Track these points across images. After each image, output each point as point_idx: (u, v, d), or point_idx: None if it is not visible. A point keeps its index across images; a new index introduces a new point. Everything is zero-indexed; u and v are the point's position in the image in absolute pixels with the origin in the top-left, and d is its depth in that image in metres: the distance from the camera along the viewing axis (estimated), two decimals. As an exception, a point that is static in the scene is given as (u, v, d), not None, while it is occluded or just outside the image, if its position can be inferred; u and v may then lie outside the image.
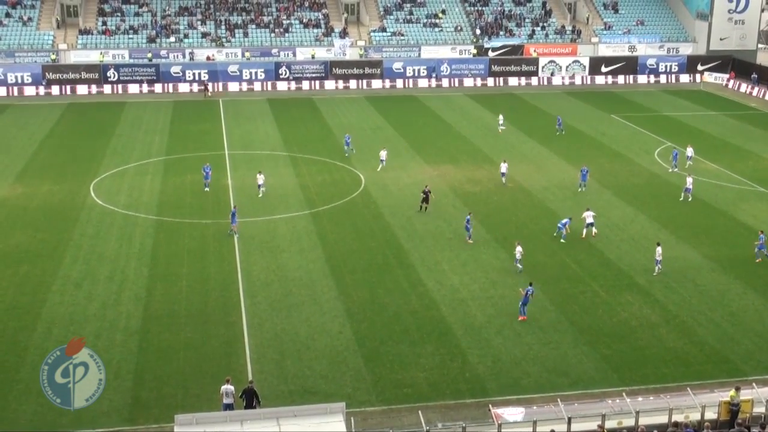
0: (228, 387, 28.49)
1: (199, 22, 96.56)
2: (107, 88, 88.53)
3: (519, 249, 41.35)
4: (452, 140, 68.68)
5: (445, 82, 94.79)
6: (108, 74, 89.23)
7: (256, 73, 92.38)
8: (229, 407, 28.15)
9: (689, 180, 53.20)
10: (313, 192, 54.20)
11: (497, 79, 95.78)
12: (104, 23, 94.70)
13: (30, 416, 28.64)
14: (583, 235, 45.86)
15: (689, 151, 60.84)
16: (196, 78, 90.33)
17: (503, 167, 56.21)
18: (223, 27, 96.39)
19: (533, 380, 31.60)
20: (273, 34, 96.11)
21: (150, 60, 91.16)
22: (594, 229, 45.99)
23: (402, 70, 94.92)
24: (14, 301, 37.60)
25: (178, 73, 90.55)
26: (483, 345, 34.10)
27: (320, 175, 57.87)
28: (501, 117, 72.97)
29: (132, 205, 51.30)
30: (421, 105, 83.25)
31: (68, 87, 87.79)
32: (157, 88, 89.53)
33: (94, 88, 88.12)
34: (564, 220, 46.22)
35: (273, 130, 72.51)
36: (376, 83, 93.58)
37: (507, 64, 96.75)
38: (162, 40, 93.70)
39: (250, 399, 28.09)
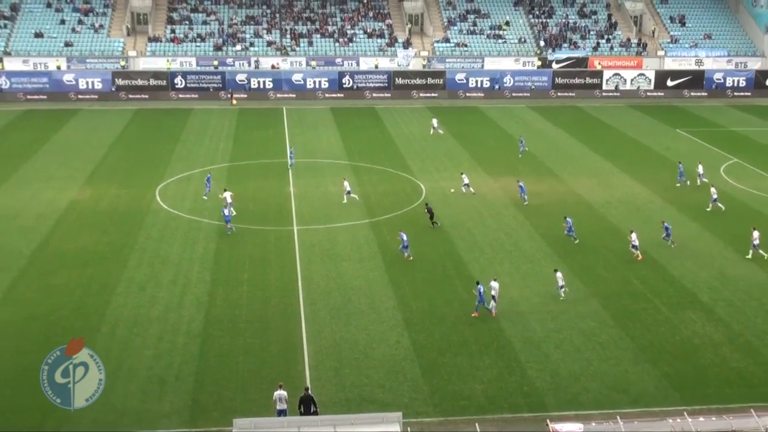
0: (281, 392, 28.65)
1: (264, 31, 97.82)
2: (174, 95, 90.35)
3: (494, 284, 37.92)
4: (514, 152, 68.33)
5: (507, 94, 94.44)
6: (175, 81, 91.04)
7: (319, 81, 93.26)
8: (282, 413, 28.28)
9: (713, 190, 53.48)
10: (373, 201, 54.43)
11: (561, 91, 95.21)
12: (173, 31, 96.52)
13: (93, 415, 29.13)
14: (635, 257, 44.74)
15: (700, 169, 59.52)
16: (261, 87, 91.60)
17: (465, 179, 56.23)
18: (288, 36, 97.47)
19: (592, 396, 31.23)
20: (337, 44, 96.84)
21: (216, 67, 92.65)
22: (638, 253, 44.58)
23: (465, 81, 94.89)
24: (80, 302, 38.44)
25: (243, 80, 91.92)
26: (542, 359, 33.84)
27: (381, 184, 58.08)
28: (434, 120, 74.21)
29: (196, 210, 52.14)
30: (483, 116, 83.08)
31: (137, 93, 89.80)
32: (223, 95, 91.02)
33: (161, 95, 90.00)
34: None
35: (335, 138, 73.07)
36: (439, 94, 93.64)
37: (571, 77, 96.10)
38: (228, 48, 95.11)
39: (307, 406, 28.21)
